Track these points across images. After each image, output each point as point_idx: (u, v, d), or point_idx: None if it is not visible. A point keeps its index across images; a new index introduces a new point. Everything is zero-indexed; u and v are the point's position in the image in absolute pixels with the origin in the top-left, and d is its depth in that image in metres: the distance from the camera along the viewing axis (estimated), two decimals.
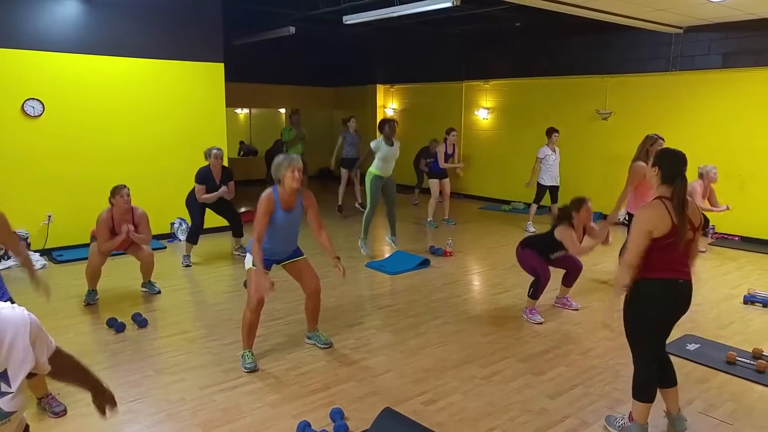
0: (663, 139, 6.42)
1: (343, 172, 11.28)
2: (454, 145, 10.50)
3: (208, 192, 7.42)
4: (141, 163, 8.41)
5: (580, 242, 5.56)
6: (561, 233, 5.49)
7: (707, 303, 6.21)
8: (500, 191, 12.71)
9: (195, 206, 7.53)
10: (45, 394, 3.82)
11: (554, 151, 9.71)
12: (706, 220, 8.33)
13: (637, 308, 3.40)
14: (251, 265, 4.48)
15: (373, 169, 8.01)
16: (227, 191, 7.52)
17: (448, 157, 10.44)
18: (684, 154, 3.36)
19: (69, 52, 7.83)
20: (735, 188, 9.03)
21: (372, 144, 8.02)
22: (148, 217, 6.10)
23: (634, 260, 3.29)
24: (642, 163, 6.31)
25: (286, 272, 4.84)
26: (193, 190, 7.48)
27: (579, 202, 5.55)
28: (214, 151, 7.44)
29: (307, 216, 4.66)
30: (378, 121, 8.12)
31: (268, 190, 4.45)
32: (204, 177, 7.43)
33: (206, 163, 7.46)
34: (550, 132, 9.76)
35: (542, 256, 5.69)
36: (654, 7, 7.85)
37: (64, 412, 3.78)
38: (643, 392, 3.46)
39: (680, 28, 9.36)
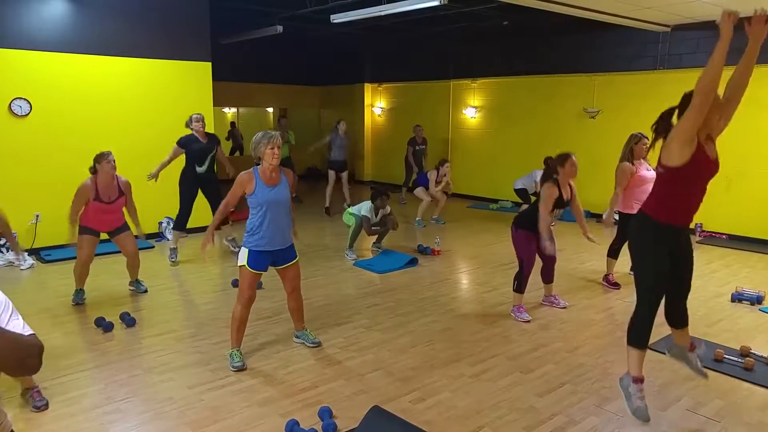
0: (647, 138, 6.45)
1: (331, 173, 11.23)
2: (445, 176, 10.30)
3: (194, 154, 7.42)
4: (128, 162, 8.29)
5: (568, 200, 5.57)
6: (544, 191, 5.44)
7: (695, 301, 6.22)
8: (488, 190, 12.73)
9: (186, 187, 7.52)
10: (31, 386, 3.82)
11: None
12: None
13: None
14: (245, 263, 4.50)
15: (355, 210, 7.95)
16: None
17: (435, 182, 10.28)
18: None
19: (56, 52, 7.78)
20: (722, 187, 9.09)
21: (364, 212, 7.84)
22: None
23: None
24: (628, 164, 6.38)
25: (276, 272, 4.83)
26: (185, 169, 7.48)
27: (564, 157, 5.48)
28: (194, 116, 7.42)
29: None
30: (371, 193, 8.02)
31: (249, 169, 4.48)
32: (187, 141, 7.42)
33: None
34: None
35: (535, 232, 5.59)
36: (641, 5, 7.88)
37: (46, 406, 3.78)
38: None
39: (668, 26, 9.40)
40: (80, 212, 5.75)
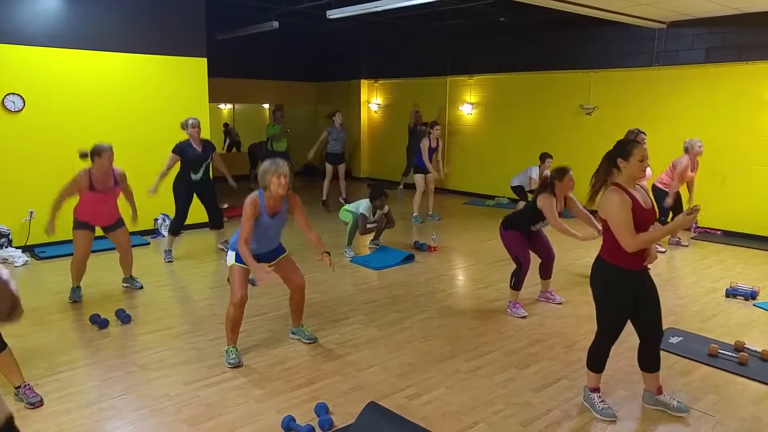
0: (644, 134, 6.51)
1: (328, 167, 11.19)
2: (438, 139, 10.44)
3: (189, 162, 7.37)
4: (123, 159, 8.24)
5: (560, 212, 5.60)
6: (542, 201, 5.49)
7: (690, 296, 6.27)
8: (484, 186, 12.72)
9: (181, 191, 7.47)
10: (21, 383, 3.80)
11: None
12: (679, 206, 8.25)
13: None
14: (233, 262, 4.50)
15: (353, 208, 7.91)
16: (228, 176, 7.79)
17: (432, 152, 10.37)
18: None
19: (49, 47, 7.74)
20: (717, 182, 9.11)
21: (362, 210, 7.82)
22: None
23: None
24: None
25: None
26: (180, 175, 7.43)
27: (562, 171, 5.55)
28: (191, 120, 7.33)
29: (295, 218, 4.68)
30: (370, 192, 7.96)
31: (254, 195, 4.43)
32: (182, 149, 7.34)
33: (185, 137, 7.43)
34: (544, 157, 9.66)
35: (524, 233, 5.69)
36: (637, 1, 7.89)
37: (41, 403, 3.77)
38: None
39: (663, 23, 9.41)
40: (65, 201, 5.68)
